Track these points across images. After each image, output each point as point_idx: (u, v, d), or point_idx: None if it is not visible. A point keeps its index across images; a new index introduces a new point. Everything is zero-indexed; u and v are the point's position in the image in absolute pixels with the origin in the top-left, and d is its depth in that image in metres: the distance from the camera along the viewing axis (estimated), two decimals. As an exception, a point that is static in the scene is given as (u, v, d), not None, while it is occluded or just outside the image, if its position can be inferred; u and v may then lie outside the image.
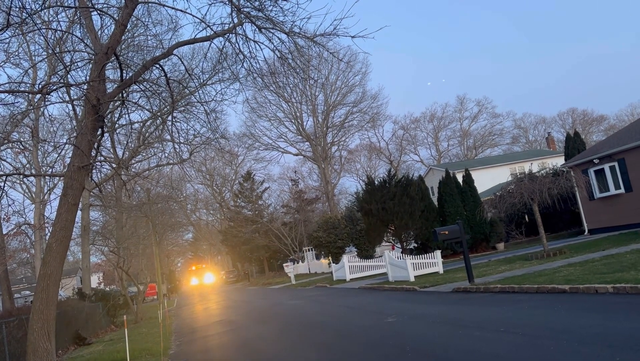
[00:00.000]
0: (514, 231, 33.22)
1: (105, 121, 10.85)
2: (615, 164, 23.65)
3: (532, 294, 11.96)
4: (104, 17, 10.53)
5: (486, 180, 42.41)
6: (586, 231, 26.42)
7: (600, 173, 24.55)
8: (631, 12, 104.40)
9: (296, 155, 62.49)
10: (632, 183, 23.05)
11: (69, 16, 14.64)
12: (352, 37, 10.42)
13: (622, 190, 23.51)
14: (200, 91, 16.67)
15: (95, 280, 57.56)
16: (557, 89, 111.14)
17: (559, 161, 35.68)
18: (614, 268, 12.54)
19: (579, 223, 28.10)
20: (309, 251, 49.78)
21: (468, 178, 32.23)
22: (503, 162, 49.98)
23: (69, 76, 11.59)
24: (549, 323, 8.61)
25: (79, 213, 25.36)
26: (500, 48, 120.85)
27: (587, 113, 79.52)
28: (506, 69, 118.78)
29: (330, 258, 38.03)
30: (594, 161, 24.68)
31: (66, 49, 13.49)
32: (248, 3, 10.59)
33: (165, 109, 18.19)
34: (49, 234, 10.91)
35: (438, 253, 22.99)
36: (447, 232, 16.15)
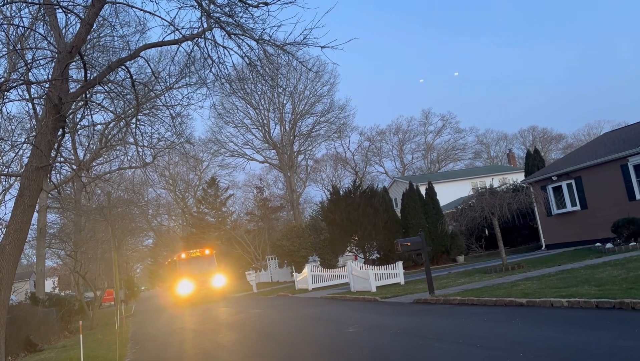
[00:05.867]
0: (474, 244, 33.83)
1: (67, 121, 10.57)
2: (572, 182, 24.40)
3: (491, 307, 12.17)
4: (69, 15, 10.29)
5: (448, 193, 43.12)
6: (543, 246, 27.10)
7: (558, 190, 25.28)
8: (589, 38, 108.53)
9: (262, 163, 62.31)
10: (588, 200, 23.80)
11: (32, 12, 14.27)
12: (322, 47, 10.44)
13: (578, 207, 24.25)
14: (166, 95, 16.48)
15: (49, 285, 55.78)
16: (520, 106, 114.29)
17: (519, 177, 36.59)
18: (569, 282, 12.89)
19: (537, 238, 28.81)
20: (271, 259, 49.51)
21: (431, 191, 32.72)
22: (465, 176, 50.99)
23: (30, 73, 11.26)
24: (507, 335, 8.78)
25: (35, 214, 24.60)
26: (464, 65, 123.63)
27: (546, 131, 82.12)
28: (473, 86, 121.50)
29: (293, 266, 37.88)
30: (553, 178, 25.41)
31: (28, 46, 13.12)
32: (218, 8, 10.52)
33: (130, 111, 17.85)
34: (2, 236, 10.52)
35: (400, 264, 23.17)
36: (409, 243, 16.32)
